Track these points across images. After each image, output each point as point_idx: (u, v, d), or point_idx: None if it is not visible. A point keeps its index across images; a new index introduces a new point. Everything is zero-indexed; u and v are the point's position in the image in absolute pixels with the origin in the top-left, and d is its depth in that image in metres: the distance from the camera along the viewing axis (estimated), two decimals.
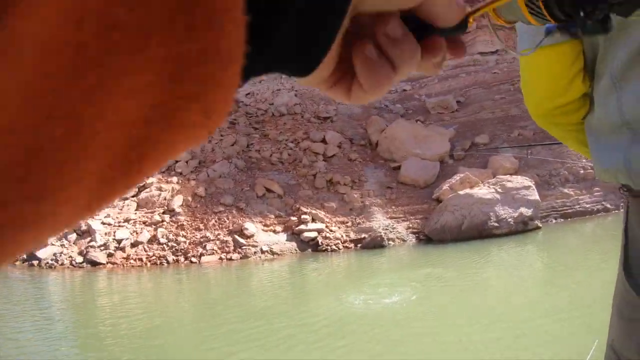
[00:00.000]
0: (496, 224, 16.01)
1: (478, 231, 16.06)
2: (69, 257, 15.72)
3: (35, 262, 15.71)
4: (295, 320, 7.49)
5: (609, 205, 17.60)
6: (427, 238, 17.67)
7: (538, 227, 16.09)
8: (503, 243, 14.33)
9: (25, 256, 16.69)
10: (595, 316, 5.31)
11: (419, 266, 12.38)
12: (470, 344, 5.29)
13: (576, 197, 18.47)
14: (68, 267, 15.29)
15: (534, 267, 10.97)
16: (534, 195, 16.70)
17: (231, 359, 6.12)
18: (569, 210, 18.04)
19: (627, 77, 0.58)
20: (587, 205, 18.05)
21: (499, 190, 17.03)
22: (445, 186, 19.40)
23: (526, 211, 16.19)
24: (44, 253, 16.03)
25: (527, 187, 16.90)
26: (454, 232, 16.52)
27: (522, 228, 15.87)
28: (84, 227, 16.82)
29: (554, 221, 17.77)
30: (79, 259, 15.59)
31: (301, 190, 18.35)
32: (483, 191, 17.17)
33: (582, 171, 19.52)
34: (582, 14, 0.45)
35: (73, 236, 16.70)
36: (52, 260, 15.70)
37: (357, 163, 21.38)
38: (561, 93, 0.71)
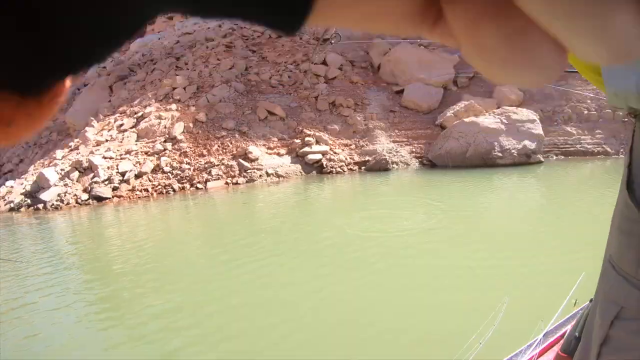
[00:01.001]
0: (500, 154, 16.05)
1: (482, 159, 16.11)
2: (73, 196, 15.56)
3: (40, 206, 15.58)
4: (301, 240, 7.54)
5: (609, 149, 17.58)
6: (430, 163, 17.70)
7: (540, 162, 16.17)
8: (505, 173, 14.41)
9: (29, 201, 16.44)
10: (581, 250, 5.53)
11: (423, 190, 12.41)
12: (468, 268, 5.29)
13: (578, 137, 18.40)
14: (74, 206, 15.18)
15: (534, 198, 11.02)
16: (538, 130, 16.57)
17: (239, 271, 6.16)
18: (570, 149, 18.08)
19: None
20: (588, 146, 18.03)
21: (504, 120, 16.84)
22: (450, 113, 19.03)
23: (530, 144, 16.16)
24: (47, 195, 15.84)
25: (532, 121, 16.71)
26: (458, 159, 16.55)
27: (525, 160, 15.92)
28: (85, 164, 16.52)
29: (554, 157, 17.81)
30: (84, 196, 15.45)
31: (303, 112, 17.88)
32: (489, 120, 16.95)
33: (585, 112, 19.14)
34: None
35: (75, 174, 16.43)
36: (57, 201, 15.54)
37: (359, 86, 20.68)
38: None
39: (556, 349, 2.03)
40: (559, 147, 18.48)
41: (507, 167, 15.56)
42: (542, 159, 16.53)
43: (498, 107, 19.03)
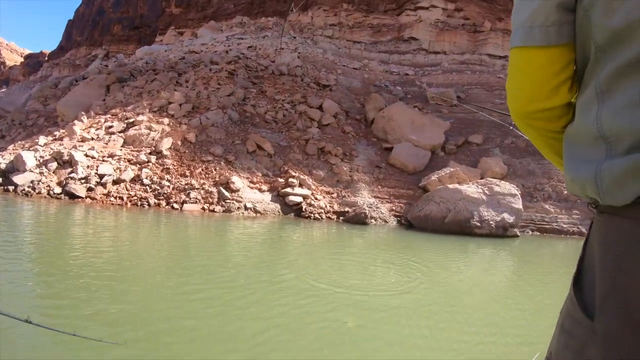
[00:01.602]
0: (478, 224, 16.30)
1: (460, 227, 16.29)
2: (47, 187, 15.15)
3: (10, 188, 15.19)
4: (262, 280, 7.40)
5: (584, 230, 18.06)
6: (408, 223, 17.88)
7: (516, 235, 16.50)
8: (481, 243, 14.53)
9: (1, 180, 15.98)
10: (541, 330, 5.57)
11: (396, 250, 12.45)
12: (428, 333, 5.25)
13: (555, 215, 19.09)
14: (45, 197, 14.73)
15: (504, 272, 11.13)
16: (518, 204, 17.04)
17: (194, 297, 6.07)
18: (547, 226, 18.62)
19: (611, 89, 0.57)
20: (564, 225, 18.67)
21: (487, 192, 17.27)
22: (434, 177, 19.54)
23: (508, 217, 16.52)
24: (21, 179, 15.45)
25: (514, 195, 17.20)
26: (436, 223, 16.72)
27: (502, 233, 16.21)
28: (66, 157, 16.17)
29: (530, 233, 18.34)
30: (58, 189, 15.03)
31: (292, 153, 18.04)
32: (472, 189, 17.37)
33: (565, 191, 20.00)
34: None
35: (53, 165, 16.04)
36: (29, 187, 15.12)
37: (350, 137, 21.16)
38: (545, 98, 0.69)
39: None
40: (536, 223, 19.03)
41: (483, 238, 15.76)
42: (519, 234, 16.93)
43: (482, 178, 19.61)
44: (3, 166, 16.69)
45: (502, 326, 6.02)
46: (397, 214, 18.71)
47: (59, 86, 34.75)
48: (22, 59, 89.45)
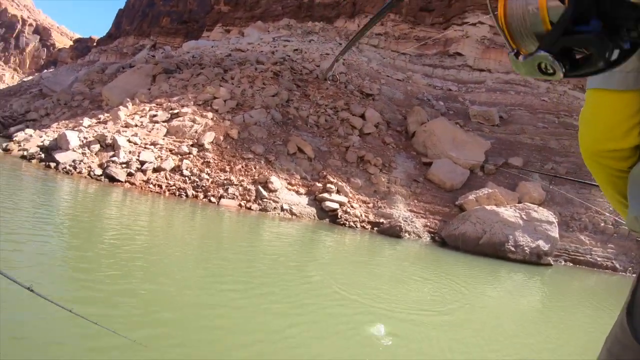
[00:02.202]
0: (512, 248, 15.80)
1: (494, 249, 15.82)
2: (88, 167, 15.38)
3: (52, 164, 15.49)
4: (291, 280, 7.26)
5: (617, 265, 17.43)
6: (442, 240, 17.44)
7: (549, 264, 15.93)
8: (514, 269, 14.09)
9: (43, 156, 16.42)
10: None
11: (427, 266, 12.16)
12: (447, 347, 5.20)
13: (590, 247, 18.26)
14: (85, 177, 14.96)
15: (534, 300, 10.82)
16: (555, 232, 16.44)
17: (224, 287, 6.04)
18: (580, 257, 17.84)
19: None
20: (598, 259, 17.85)
21: (524, 216, 16.74)
22: (472, 196, 18.98)
23: (544, 245, 15.97)
24: (63, 157, 15.75)
25: (551, 223, 16.62)
26: (470, 244, 16.27)
27: (535, 260, 15.65)
28: (109, 140, 16.46)
29: (563, 263, 17.60)
30: (98, 171, 15.23)
31: (331, 159, 17.84)
32: (509, 212, 16.85)
33: (602, 224, 19.13)
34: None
35: (96, 147, 16.36)
36: (70, 166, 15.39)
37: (390, 148, 20.79)
38: (617, 139, 0.72)
39: None
40: (569, 254, 18.33)
41: (516, 263, 15.33)
42: (552, 262, 16.33)
43: (519, 202, 19.03)
44: (47, 142, 17.20)
45: (523, 350, 5.87)
46: (431, 230, 18.23)
47: (106, 72, 35.88)
48: (71, 43, 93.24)
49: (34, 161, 16.09)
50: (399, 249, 14.35)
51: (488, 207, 17.44)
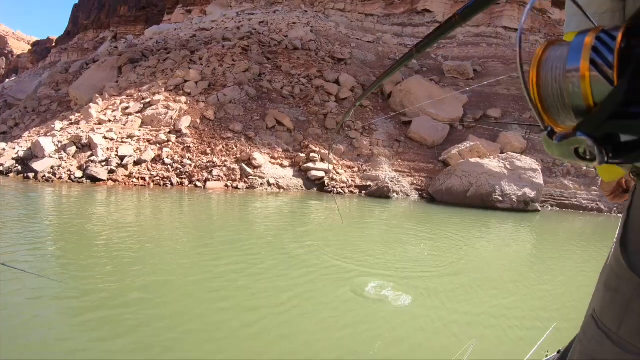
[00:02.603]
0: (500, 198, 16.24)
1: (482, 201, 16.23)
2: (67, 171, 15.00)
3: (30, 175, 15.04)
4: (285, 254, 7.31)
5: (602, 207, 17.95)
6: (430, 197, 17.74)
7: (537, 210, 16.37)
8: (502, 217, 14.33)
9: (19, 168, 15.82)
10: (558, 302, 5.69)
11: (419, 223, 12.36)
12: (441, 307, 5.22)
13: (574, 191, 18.75)
14: (66, 182, 14.61)
15: (525, 246, 10.94)
16: (539, 179, 16.88)
17: (216, 271, 6.06)
18: (566, 201, 18.37)
19: None
20: (584, 201, 18.35)
21: (508, 166, 17.13)
22: (454, 150, 19.22)
23: (530, 192, 16.41)
24: (40, 165, 15.29)
25: (535, 170, 17.04)
26: (458, 197, 16.65)
27: (523, 207, 16.10)
28: (84, 141, 16.05)
29: (549, 208, 18.07)
30: (79, 173, 14.89)
31: (311, 128, 17.75)
32: (493, 164, 17.23)
33: (584, 168, 19.63)
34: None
35: (72, 149, 15.93)
36: (49, 173, 14.98)
37: (368, 110, 20.74)
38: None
39: None
40: (555, 199, 18.87)
41: (505, 212, 15.71)
42: (539, 208, 16.83)
43: (501, 152, 19.38)
44: (21, 154, 16.57)
45: (524, 296, 5.98)
46: (418, 187, 18.50)
47: (70, 70, 34.57)
48: (29, 47, 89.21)
49: (11, 175, 15.55)
50: (390, 209, 14.55)
51: (472, 160, 17.75)
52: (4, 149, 18.42)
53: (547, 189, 18.39)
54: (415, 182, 18.80)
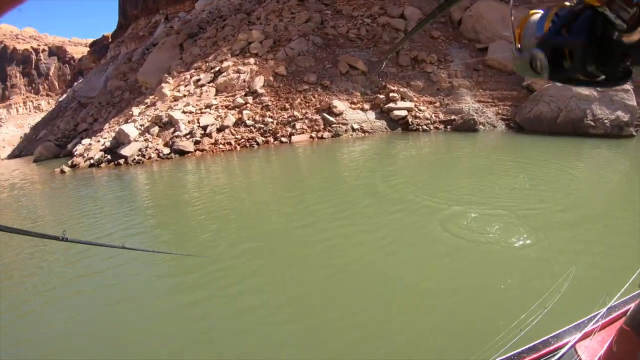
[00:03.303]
0: (592, 123, 14.60)
1: (574, 127, 14.73)
2: (155, 150, 15.62)
3: (121, 161, 15.79)
4: (373, 199, 7.11)
5: None
6: (518, 126, 16.41)
7: (632, 135, 14.42)
8: (596, 144, 12.95)
9: (109, 157, 16.53)
10: None
11: (515, 154, 11.48)
12: (541, 236, 5.10)
13: None
14: (156, 160, 15.22)
15: (621, 174, 9.81)
16: (632, 101, 14.78)
17: (316, 215, 6.20)
18: None
19: None
20: None
21: (598, 88, 15.27)
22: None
23: (623, 115, 14.49)
24: (128, 150, 16.04)
25: (626, 91, 14.96)
26: (549, 124, 15.25)
27: (617, 132, 14.27)
28: (165, 119, 16.58)
29: None
30: (166, 150, 15.45)
31: (385, 67, 16.93)
32: (581, 86, 15.45)
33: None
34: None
35: (155, 129, 16.54)
36: (138, 156, 15.66)
37: (440, 41, 19.32)
38: None
39: (618, 323, 1.97)
40: None
41: (597, 138, 14.21)
42: (634, 133, 14.91)
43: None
44: (107, 144, 17.43)
45: (614, 227, 5.60)
46: (504, 117, 17.14)
47: (133, 59, 36.03)
48: (87, 49, 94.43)
49: (102, 165, 16.35)
50: (478, 142, 13.71)
51: (559, 84, 16.08)
52: (90, 144, 19.59)
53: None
54: (500, 111, 17.44)
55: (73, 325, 4.07)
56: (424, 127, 15.26)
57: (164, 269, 5.20)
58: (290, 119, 14.85)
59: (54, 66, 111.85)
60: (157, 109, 18.16)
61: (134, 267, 5.27)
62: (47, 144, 27.83)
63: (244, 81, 16.62)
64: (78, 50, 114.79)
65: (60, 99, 66.09)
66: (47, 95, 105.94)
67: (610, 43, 0.54)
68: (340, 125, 14.50)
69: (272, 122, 14.98)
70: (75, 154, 19.07)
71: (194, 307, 4.12)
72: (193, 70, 19.67)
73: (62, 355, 3.59)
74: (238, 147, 14.81)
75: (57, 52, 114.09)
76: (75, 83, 69.02)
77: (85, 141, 20.69)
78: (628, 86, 15.42)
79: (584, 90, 15.35)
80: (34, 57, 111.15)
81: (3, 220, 9.25)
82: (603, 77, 0.57)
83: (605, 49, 0.54)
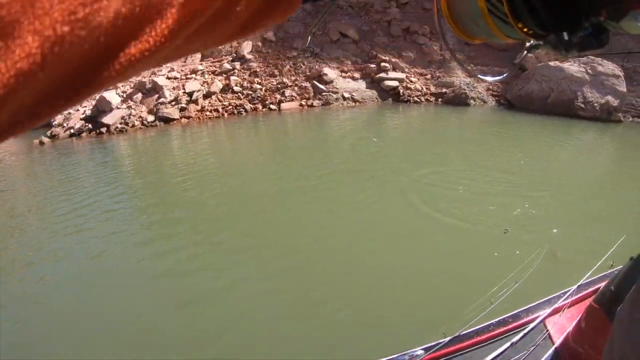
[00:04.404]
0: (582, 105, 14.80)
1: (564, 108, 14.86)
2: (138, 118, 14.96)
3: (103, 130, 15.04)
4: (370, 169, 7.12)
5: None
6: (508, 103, 16.44)
7: (620, 120, 14.57)
8: (585, 127, 13.20)
9: (90, 126, 15.55)
10: (633, 214, 5.55)
11: (503, 132, 11.53)
12: (519, 213, 5.28)
13: None
14: (140, 128, 14.62)
15: (606, 158, 10.00)
16: (622, 87, 14.97)
17: (297, 193, 6.11)
18: None
19: None
20: None
21: (589, 71, 15.41)
22: (530, 54, 17.49)
23: (613, 100, 14.64)
24: (111, 118, 15.26)
25: (617, 77, 15.11)
26: (539, 103, 15.40)
27: (606, 117, 14.40)
28: (148, 85, 15.90)
29: (630, 119, 16.01)
30: (150, 117, 14.80)
31: (376, 37, 16.52)
32: (574, 68, 15.57)
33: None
34: (566, 27, 0.39)
35: (138, 96, 15.85)
36: (121, 124, 14.99)
37: (433, 13, 18.93)
38: None
39: (588, 301, 2.04)
40: (637, 109, 16.66)
41: (585, 121, 14.43)
42: (622, 119, 15.16)
43: (578, 55, 17.41)
44: (88, 112, 16.61)
45: (590, 208, 5.79)
46: (494, 93, 17.10)
47: None
48: None
49: (83, 135, 15.46)
50: (470, 119, 13.65)
51: (552, 64, 16.23)
52: (69, 113, 18.67)
53: (629, 97, 16.30)
54: (490, 87, 17.37)
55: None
56: (415, 98, 15.07)
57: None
58: (279, 86, 14.44)
59: None
60: (140, 75, 17.44)
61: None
62: None
63: (231, 46, 16.03)
64: None
65: None
66: None
67: None
68: (331, 93, 14.17)
69: (261, 89, 14.55)
70: (53, 123, 17.61)
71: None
72: None
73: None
74: (225, 114, 14.36)
75: None
76: None
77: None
78: (619, 72, 15.52)
79: (576, 73, 15.41)
80: None
81: None
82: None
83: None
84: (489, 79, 0.96)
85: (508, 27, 0.42)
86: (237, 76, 15.09)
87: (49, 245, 4.99)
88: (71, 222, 5.62)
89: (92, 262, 4.43)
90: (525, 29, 0.39)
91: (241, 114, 14.18)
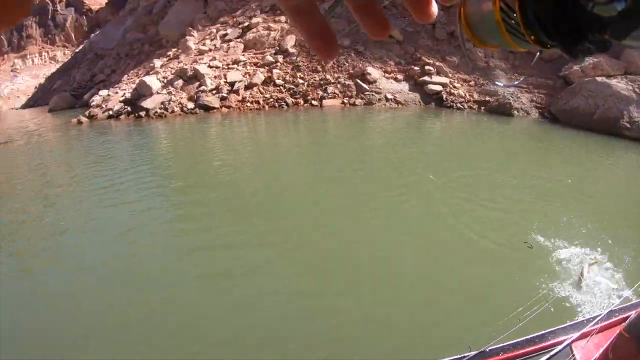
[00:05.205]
0: (628, 125, 14.07)
1: (608, 126, 14.21)
2: (178, 104, 15.09)
3: (142, 113, 15.24)
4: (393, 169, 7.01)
5: None
6: (552, 116, 15.88)
7: None
8: (629, 147, 12.56)
9: (129, 109, 15.97)
10: None
11: (548, 147, 11.16)
12: (558, 235, 5.15)
13: None
14: (179, 114, 14.75)
15: None
16: None
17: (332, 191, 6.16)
18: None
19: None
20: None
21: (637, 89, 14.72)
22: (576, 67, 16.83)
23: None
24: (150, 103, 15.49)
25: None
26: (584, 119, 14.77)
27: None
28: (190, 73, 16.02)
29: None
30: (190, 104, 14.93)
31: (420, 39, 16.24)
32: (621, 85, 14.90)
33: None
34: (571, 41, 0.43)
35: (179, 82, 15.98)
36: (160, 109, 15.13)
37: None
38: None
39: (617, 328, 1.99)
40: None
41: (632, 141, 13.85)
42: None
43: (625, 71, 16.70)
44: (128, 95, 16.82)
45: (628, 236, 5.55)
46: (538, 105, 16.54)
47: (153, 11, 34.97)
48: (105, 0, 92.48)
49: (122, 117, 15.81)
50: (513, 129, 13.31)
51: (599, 79, 15.60)
52: (108, 95, 19.01)
53: None
54: (534, 99, 16.82)
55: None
56: (458, 105, 14.72)
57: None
58: (322, 82, 14.32)
59: (70, 17, 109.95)
60: (181, 62, 17.58)
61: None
62: (63, 94, 27.30)
63: (274, 39, 16.01)
64: (96, 2, 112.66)
65: (77, 50, 64.98)
66: (64, 46, 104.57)
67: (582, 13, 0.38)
68: (374, 93, 13.98)
69: (303, 84, 14.46)
70: (92, 104, 18.47)
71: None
72: (219, 25, 19.00)
73: None
74: (266, 107, 14.31)
75: (74, 3, 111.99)
76: (92, 35, 67.75)
77: (103, 92, 19.94)
78: None
79: (623, 90, 14.81)
80: (50, 7, 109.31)
81: (24, 166, 9.03)
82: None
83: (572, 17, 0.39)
84: (501, 85, 0.81)
85: (520, 37, 0.42)
86: (280, 69, 15.05)
87: (87, 215, 5.13)
88: (108, 196, 5.74)
89: (129, 233, 4.59)
90: (533, 38, 0.41)
91: (282, 107, 14.12)
